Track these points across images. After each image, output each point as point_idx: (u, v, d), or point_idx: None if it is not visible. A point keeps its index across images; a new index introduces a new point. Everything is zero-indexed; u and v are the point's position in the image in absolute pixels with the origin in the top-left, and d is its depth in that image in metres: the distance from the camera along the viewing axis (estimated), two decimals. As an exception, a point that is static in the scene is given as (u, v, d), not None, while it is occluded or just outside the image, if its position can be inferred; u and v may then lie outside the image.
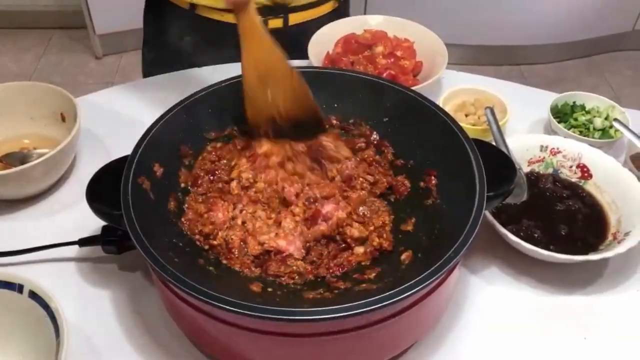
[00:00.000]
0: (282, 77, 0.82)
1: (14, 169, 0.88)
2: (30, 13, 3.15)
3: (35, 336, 0.72)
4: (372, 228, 0.79)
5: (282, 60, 0.81)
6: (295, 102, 0.83)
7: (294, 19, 1.24)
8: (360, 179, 0.84)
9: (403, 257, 0.75)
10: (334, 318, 0.60)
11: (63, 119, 1.02)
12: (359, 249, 0.77)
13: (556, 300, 0.84)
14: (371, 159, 0.87)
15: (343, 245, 0.78)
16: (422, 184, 0.82)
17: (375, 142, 0.89)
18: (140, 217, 0.69)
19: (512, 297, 0.84)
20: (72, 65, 2.99)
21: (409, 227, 0.80)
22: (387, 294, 0.61)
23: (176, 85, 1.17)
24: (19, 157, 0.99)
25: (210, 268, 0.73)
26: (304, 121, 0.84)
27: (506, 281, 0.86)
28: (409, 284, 0.62)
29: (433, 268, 0.64)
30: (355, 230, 0.78)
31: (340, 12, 1.35)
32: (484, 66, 3.00)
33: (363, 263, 0.76)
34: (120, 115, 1.11)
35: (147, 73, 1.37)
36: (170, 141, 0.81)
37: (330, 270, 0.75)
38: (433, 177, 0.81)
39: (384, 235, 0.78)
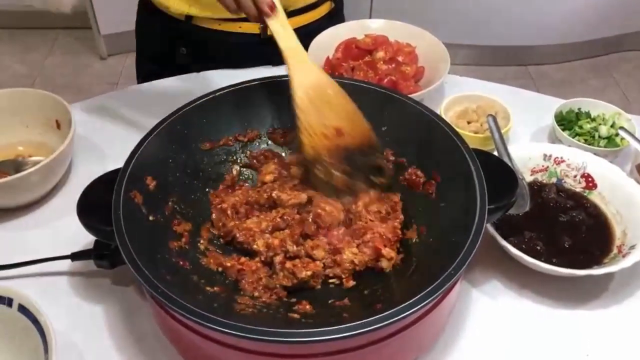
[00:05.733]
0: (333, 98, 0.81)
1: (9, 177, 0.87)
2: (35, 13, 3.14)
3: (24, 350, 0.71)
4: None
5: (329, 81, 0.81)
6: (348, 121, 0.81)
7: (293, 23, 1.22)
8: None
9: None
10: (328, 340, 0.59)
11: (58, 126, 1.01)
12: (387, 263, 0.77)
13: (559, 315, 0.82)
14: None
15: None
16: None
17: None
18: (131, 232, 0.67)
19: (514, 311, 0.82)
20: (77, 66, 2.99)
21: (414, 236, 0.80)
22: (387, 313, 0.60)
23: (176, 91, 1.16)
24: (13, 165, 0.98)
25: (205, 286, 0.71)
26: (359, 144, 0.82)
27: (508, 294, 0.84)
28: (409, 302, 0.61)
29: (433, 285, 0.63)
30: (392, 252, 0.77)
31: (337, 14, 1.33)
32: (491, 66, 2.97)
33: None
34: (117, 122, 1.10)
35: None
36: (164, 153, 0.80)
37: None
38: (434, 182, 0.80)
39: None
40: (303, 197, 0.80)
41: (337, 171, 0.81)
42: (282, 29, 0.82)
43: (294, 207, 0.80)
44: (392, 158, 0.86)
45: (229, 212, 0.81)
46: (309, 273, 0.74)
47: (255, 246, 0.77)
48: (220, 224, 0.81)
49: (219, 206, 0.82)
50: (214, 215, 0.82)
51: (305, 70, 0.81)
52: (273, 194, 0.81)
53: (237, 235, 0.79)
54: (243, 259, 0.77)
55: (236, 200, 0.83)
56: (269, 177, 0.86)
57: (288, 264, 0.74)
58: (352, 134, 0.81)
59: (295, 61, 0.81)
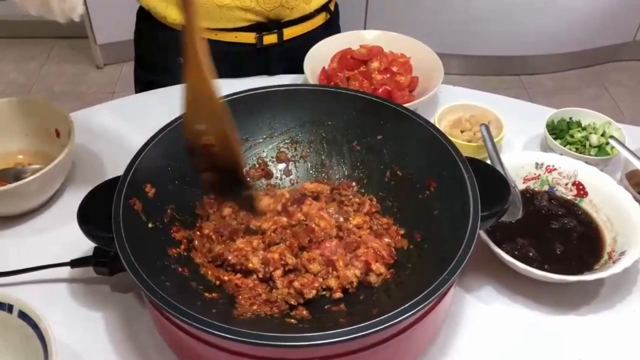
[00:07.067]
0: (209, 112, 0.73)
1: (9, 185, 0.88)
2: (32, 23, 3.15)
3: (24, 356, 0.71)
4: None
5: (212, 97, 0.72)
6: (221, 143, 0.73)
7: (288, 33, 1.24)
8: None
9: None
10: (326, 344, 0.60)
11: (57, 135, 1.02)
12: (375, 278, 0.78)
13: (551, 320, 0.83)
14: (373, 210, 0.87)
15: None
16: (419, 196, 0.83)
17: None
18: (131, 239, 0.68)
19: (507, 316, 0.84)
20: (73, 75, 3.01)
21: (404, 244, 0.81)
22: (383, 317, 0.61)
23: (174, 100, 1.17)
24: (13, 173, 0.99)
25: (204, 292, 0.72)
26: (225, 168, 0.75)
27: (501, 300, 0.86)
28: (404, 307, 0.62)
29: (428, 291, 0.64)
30: (381, 268, 0.78)
31: (332, 25, 1.35)
32: (485, 76, 2.99)
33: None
34: (115, 131, 1.11)
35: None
36: (163, 161, 0.81)
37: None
38: (428, 190, 0.82)
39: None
40: (283, 220, 0.81)
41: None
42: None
43: (277, 231, 0.80)
44: (392, 168, 0.88)
45: (213, 236, 0.81)
46: (313, 292, 0.74)
47: (250, 265, 0.77)
48: (204, 250, 0.80)
49: (198, 233, 0.81)
50: (196, 242, 0.80)
51: (196, 68, 0.71)
52: (251, 226, 0.81)
53: (229, 257, 0.77)
54: (239, 275, 0.77)
55: (215, 225, 0.82)
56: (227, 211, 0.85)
57: (296, 284, 0.74)
58: (221, 155, 0.74)
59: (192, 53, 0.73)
